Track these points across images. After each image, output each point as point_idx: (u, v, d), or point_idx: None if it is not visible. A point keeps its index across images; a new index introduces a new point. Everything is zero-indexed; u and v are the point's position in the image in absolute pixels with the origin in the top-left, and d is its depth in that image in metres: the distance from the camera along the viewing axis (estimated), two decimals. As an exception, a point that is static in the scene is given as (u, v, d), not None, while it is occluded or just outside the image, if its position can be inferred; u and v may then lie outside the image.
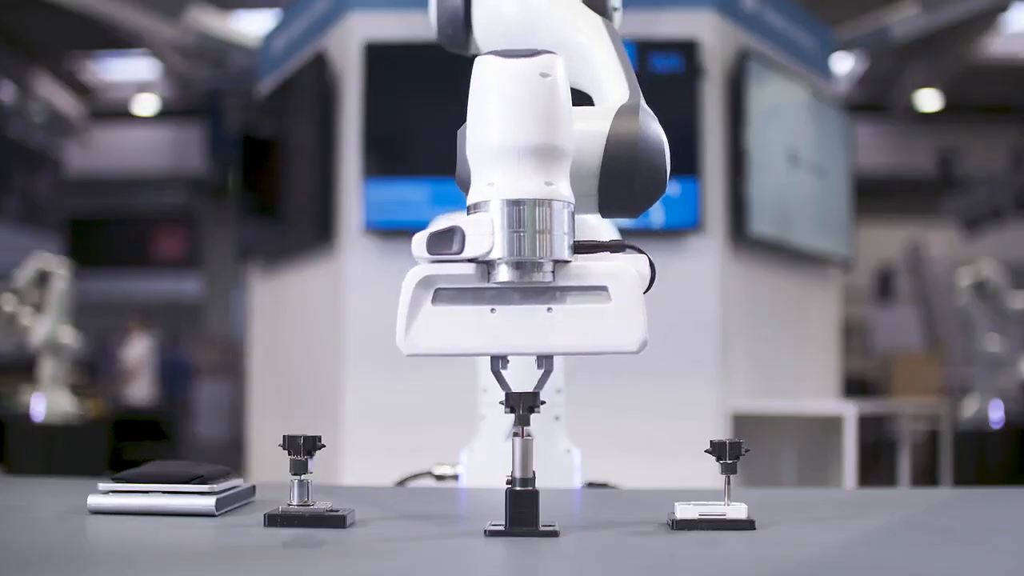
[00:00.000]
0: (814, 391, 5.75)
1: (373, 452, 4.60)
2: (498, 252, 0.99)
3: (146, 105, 13.48)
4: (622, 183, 1.07)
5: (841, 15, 7.45)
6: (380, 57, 4.84)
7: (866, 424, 5.65)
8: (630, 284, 1.00)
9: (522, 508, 1.02)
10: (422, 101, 4.72)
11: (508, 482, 1.03)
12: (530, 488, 1.02)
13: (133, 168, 14.42)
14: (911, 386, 9.87)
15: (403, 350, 1.02)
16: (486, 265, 1.01)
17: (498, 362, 1.06)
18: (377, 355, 4.80)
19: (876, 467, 8.11)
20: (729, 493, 1.09)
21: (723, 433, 4.63)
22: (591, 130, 1.07)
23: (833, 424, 4.79)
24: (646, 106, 1.10)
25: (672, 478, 2.77)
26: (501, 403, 1.06)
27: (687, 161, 4.76)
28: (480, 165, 1.01)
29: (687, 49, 4.81)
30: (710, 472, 1.14)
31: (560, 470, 1.63)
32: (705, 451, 1.10)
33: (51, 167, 13.27)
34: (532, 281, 1.00)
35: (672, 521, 1.08)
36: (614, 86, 1.15)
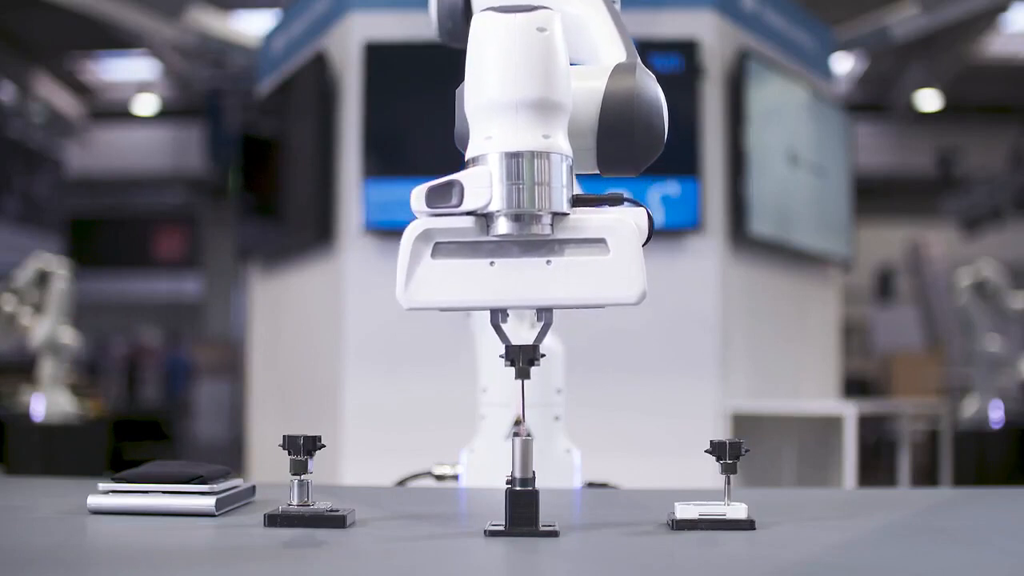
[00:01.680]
0: (814, 391, 5.75)
1: (373, 452, 4.60)
2: (497, 204, 0.99)
3: (146, 105, 13.48)
4: (620, 140, 1.07)
5: (841, 15, 7.45)
6: (380, 57, 4.84)
7: (866, 424, 5.64)
8: (628, 236, 1.00)
9: (522, 508, 1.02)
10: (422, 101, 4.72)
11: (508, 482, 1.03)
12: (530, 488, 1.02)
13: (133, 168, 14.42)
14: (911, 386, 9.87)
15: (403, 304, 1.02)
16: (485, 218, 1.01)
17: (497, 315, 1.06)
18: (377, 355, 4.80)
19: (876, 467, 8.11)
20: (729, 493, 1.09)
21: (723, 433, 4.63)
22: (588, 88, 1.07)
23: (833, 424, 4.79)
24: (643, 66, 1.11)
25: (672, 478, 2.77)
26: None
27: (687, 161, 4.77)
28: (478, 120, 1.02)
29: (687, 49, 4.81)
30: (710, 472, 1.14)
31: (560, 470, 1.63)
32: (705, 451, 1.10)
33: (51, 167, 13.26)
34: (531, 234, 1.00)
35: (672, 521, 1.08)
36: (611, 50, 1.16)
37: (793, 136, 5.47)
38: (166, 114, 13.67)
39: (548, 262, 1.01)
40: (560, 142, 1.01)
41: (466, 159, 1.03)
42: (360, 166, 4.84)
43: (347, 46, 4.97)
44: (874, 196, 12.00)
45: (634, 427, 4.68)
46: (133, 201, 15.71)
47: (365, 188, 4.79)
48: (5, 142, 12.04)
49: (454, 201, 0.99)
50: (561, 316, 1.71)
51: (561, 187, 1.00)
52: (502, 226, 1.00)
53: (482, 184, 0.99)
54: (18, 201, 12.40)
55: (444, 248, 1.02)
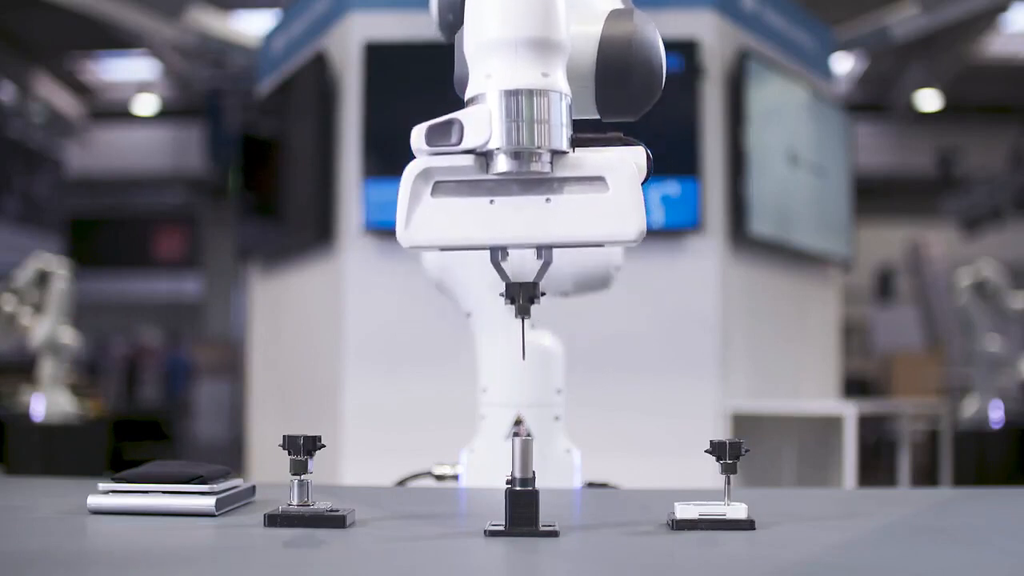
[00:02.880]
0: (814, 391, 5.75)
1: (373, 452, 4.60)
2: (496, 142, 0.99)
3: (146, 105, 13.48)
4: (618, 84, 1.08)
5: (841, 15, 7.44)
6: (380, 57, 4.84)
7: (866, 424, 5.64)
8: (627, 174, 1.01)
9: (522, 508, 1.02)
10: (422, 101, 4.70)
11: (508, 482, 1.03)
12: (530, 488, 1.02)
13: (133, 168, 14.42)
14: (911, 386, 9.87)
15: (403, 243, 1.02)
16: (485, 157, 1.01)
17: (497, 253, 1.06)
18: (377, 355, 4.80)
19: (876, 467, 8.11)
20: (729, 493, 1.09)
21: (723, 433, 4.63)
22: (585, 32, 1.08)
23: (833, 424, 4.79)
24: (640, 12, 1.11)
25: (672, 478, 2.77)
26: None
27: (687, 161, 4.76)
28: (478, 59, 1.02)
29: (687, 49, 4.81)
30: (710, 472, 1.14)
31: (560, 470, 1.63)
32: (705, 451, 1.10)
33: (51, 167, 13.26)
34: (530, 172, 1.00)
35: (672, 521, 1.08)
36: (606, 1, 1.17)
37: (793, 136, 5.47)
38: (166, 114, 13.67)
39: (548, 200, 1.02)
40: (559, 81, 1.01)
41: (465, 99, 1.03)
42: (360, 166, 4.84)
43: (347, 46, 4.97)
44: (874, 196, 12.00)
45: (634, 427, 4.68)
46: (133, 201, 15.72)
47: (365, 188, 4.79)
48: (5, 142, 12.04)
49: (454, 139, 0.99)
50: (562, 316, 1.71)
51: (560, 125, 1.00)
52: (502, 164, 1.00)
53: (481, 122, 0.99)
54: (18, 201, 12.40)
55: (444, 186, 1.02)
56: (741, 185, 4.94)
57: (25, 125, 12.34)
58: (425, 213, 1.02)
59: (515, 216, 1.02)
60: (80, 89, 13.11)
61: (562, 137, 1.00)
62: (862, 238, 7.59)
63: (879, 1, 7.36)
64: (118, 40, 10.66)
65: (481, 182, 1.02)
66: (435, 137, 1.00)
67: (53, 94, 12.60)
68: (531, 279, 1.08)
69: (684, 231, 4.79)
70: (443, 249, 1.06)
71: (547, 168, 1.00)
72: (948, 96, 12.31)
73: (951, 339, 10.87)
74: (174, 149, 14.00)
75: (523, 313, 1.06)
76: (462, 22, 1.05)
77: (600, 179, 1.01)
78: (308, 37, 5.48)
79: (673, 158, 4.76)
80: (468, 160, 1.01)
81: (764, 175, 5.10)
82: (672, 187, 4.74)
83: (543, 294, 1.10)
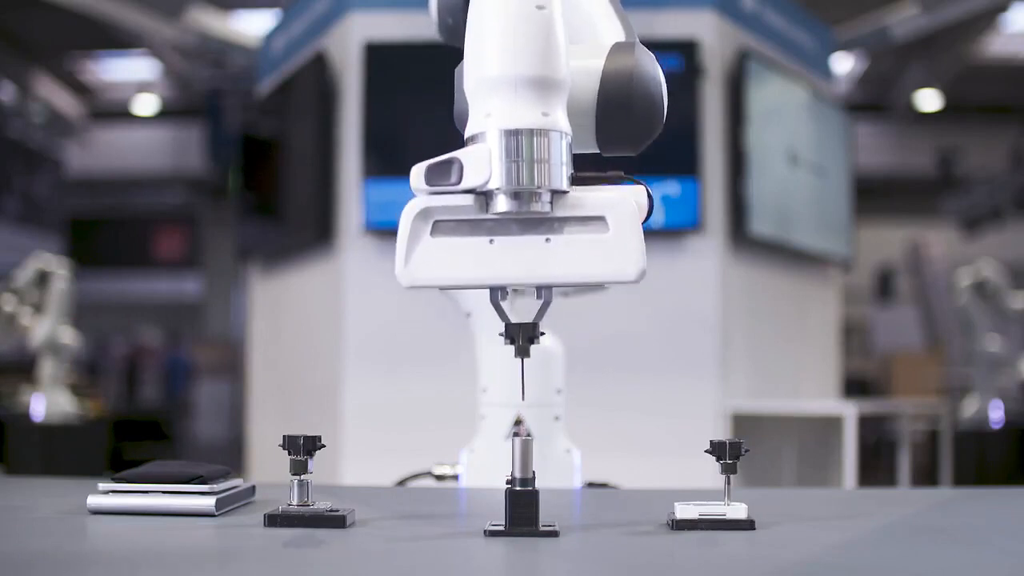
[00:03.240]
0: (814, 391, 5.75)
1: (373, 452, 4.60)
2: (496, 182, 0.99)
3: (146, 105, 13.48)
4: (619, 118, 1.08)
5: (841, 15, 7.44)
6: (380, 57, 4.84)
7: (866, 424, 5.64)
8: (628, 214, 1.00)
9: (522, 508, 1.02)
10: (422, 101, 4.72)
11: (508, 482, 1.03)
12: (530, 488, 1.03)
13: (133, 168, 14.42)
14: (911, 386, 9.87)
15: (402, 282, 1.02)
16: (484, 196, 1.01)
17: (497, 293, 1.06)
18: (377, 355, 4.80)
19: (876, 467, 8.11)
20: (729, 493, 1.09)
21: (723, 433, 4.63)
22: (586, 66, 1.08)
23: (833, 424, 4.79)
24: (642, 45, 1.11)
25: (672, 478, 2.77)
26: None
27: (687, 161, 4.76)
28: (477, 97, 1.02)
29: (687, 49, 4.81)
30: (710, 472, 1.15)
31: (560, 470, 1.63)
32: (705, 451, 1.10)
33: (51, 167, 13.26)
34: (530, 211, 1.00)
35: (672, 521, 1.08)
36: (609, 30, 1.16)
37: (793, 136, 5.47)
38: (166, 114, 13.67)
39: (547, 240, 1.02)
40: (559, 119, 1.01)
41: (465, 137, 1.03)
42: (360, 166, 4.84)
43: (347, 46, 4.97)
44: (874, 196, 12.00)
45: (634, 427, 4.68)
46: (133, 201, 15.71)
47: (365, 188, 4.79)
48: (5, 142, 12.03)
49: (453, 179, 0.99)
50: (562, 316, 1.71)
51: (560, 164, 1.00)
52: (501, 204, 1.00)
53: (481, 162, 0.99)
54: (18, 201, 12.40)
55: (443, 226, 1.02)
56: (741, 185, 4.94)
57: (25, 125, 12.33)
58: (424, 252, 1.02)
59: (515, 256, 1.01)
60: (80, 89, 13.11)
61: (562, 177, 1.00)
62: (862, 238, 7.59)
63: (879, 1, 7.36)
64: (118, 40, 10.66)
65: (481, 222, 1.02)
66: (435, 176, 0.99)
67: (53, 94, 12.60)
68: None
69: (684, 231, 4.79)
70: (443, 289, 1.06)
71: (547, 208, 1.00)
72: (948, 96, 12.31)
73: (951, 339, 10.87)
74: (174, 149, 14.00)
75: (523, 354, 1.06)
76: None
77: (600, 219, 1.01)
78: (308, 37, 5.48)
79: (673, 158, 4.76)
80: (468, 200, 1.01)
81: (764, 175, 5.10)
82: (672, 187, 4.74)
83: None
